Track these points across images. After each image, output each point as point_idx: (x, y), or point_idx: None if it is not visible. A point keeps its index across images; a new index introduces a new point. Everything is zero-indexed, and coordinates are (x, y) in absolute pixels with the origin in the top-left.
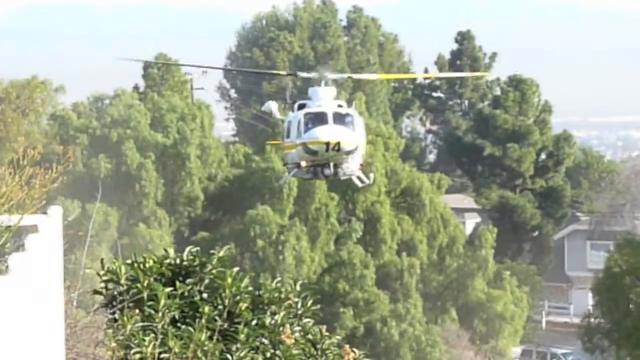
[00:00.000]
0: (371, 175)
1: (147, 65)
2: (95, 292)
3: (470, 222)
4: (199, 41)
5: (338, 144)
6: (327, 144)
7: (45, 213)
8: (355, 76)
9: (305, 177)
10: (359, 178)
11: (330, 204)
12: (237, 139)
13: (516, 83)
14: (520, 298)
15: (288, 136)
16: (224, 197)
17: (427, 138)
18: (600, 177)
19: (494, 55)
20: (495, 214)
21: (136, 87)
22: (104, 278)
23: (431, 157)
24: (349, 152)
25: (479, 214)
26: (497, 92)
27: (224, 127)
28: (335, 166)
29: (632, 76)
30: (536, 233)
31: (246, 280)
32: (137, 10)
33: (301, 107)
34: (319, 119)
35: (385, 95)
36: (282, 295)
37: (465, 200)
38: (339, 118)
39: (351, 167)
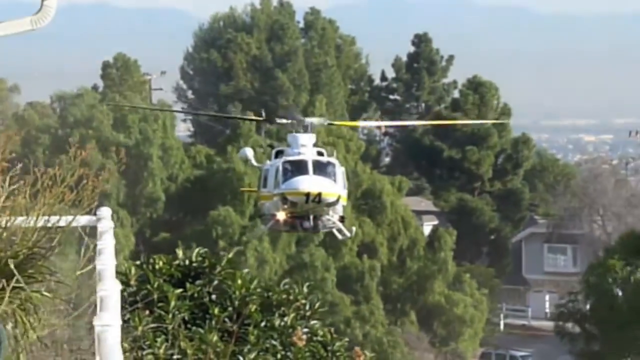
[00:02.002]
0: (353, 228)
1: (105, 65)
2: None
3: (428, 224)
4: (155, 42)
5: (319, 195)
6: (308, 195)
7: (94, 214)
8: (337, 123)
9: (283, 229)
10: (339, 231)
11: None
12: (193, 139)
13: (475, 86)
14: (480, 301)
15: (265, 185)
16: (185, 198)
17: (383, 140)
18: (556, 180)
19: (450, 58)
20: (454, 216)
21: (95, 87)
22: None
23: (387, 160)
24: (330, 204)
25: (437, 216)
26: (454, 95)
27: (181, 128)
28: (315, 218)
29: (581, 79)
30: (494, 236)
31: (255, 282)
32: (90, 11)
33: (279, 154)
34: (298, 167)
35: (342, 98)
36: (291, 297)
37: (422, 203)
38: (320, 167)
39: (332, 220)
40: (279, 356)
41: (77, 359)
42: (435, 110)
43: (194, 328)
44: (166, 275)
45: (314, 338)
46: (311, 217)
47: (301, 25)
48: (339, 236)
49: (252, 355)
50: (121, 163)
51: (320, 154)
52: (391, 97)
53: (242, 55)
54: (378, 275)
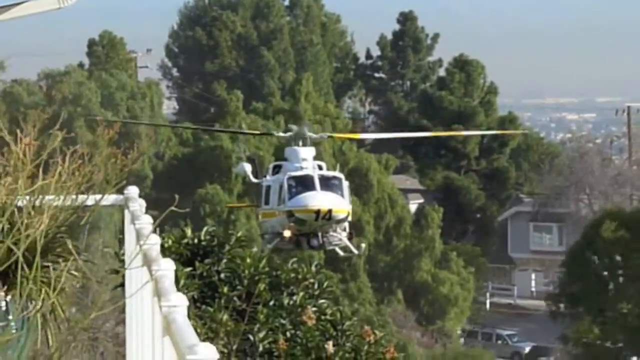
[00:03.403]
0: (362, 245)
1: (91, 43)
2: (115, 271)
3: (414, 203)
4: (140, 19)
5: (329, 212)
6: (318, 212)
7: (122, 193)
8: (337, 135)
9: (287, 247)
10: (344, 248)
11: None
12: (178, 117)
13: (462, 64)
14: (466, 279)
15: (267, 202)
16: (173, 176)
17: (368, 118)
18: (541, 159)
19: (436, 37)
20: (440, 195)
21: (81, 65)
22: (123, 258)
23: None
24: (339, 221)
25: (422, 195)
26: (440, 73)
27: (165, 106)
28: (323, 236)
29: (564, 58)
30: (480, 214)
31: (264, 261)
32: None
33: (276, 168)
34: (304, 183)
35: (328, 76)
36: (300, 276)
37: (408, 181)
38: (326, 182)
39: (339, 236)
40: (288, 335)
41: (90, 337)
42: (420, 88)
43: (203, 307)
44: (175, 253)
45: (323, 317)
46: (319, 234)
47: (286, 3)
48: (341, 253)
49: (262, 334)
50: (150, 142)
51: (320, 167)
52: (376, 75)
53: (227, 33)
54: (365, 254)
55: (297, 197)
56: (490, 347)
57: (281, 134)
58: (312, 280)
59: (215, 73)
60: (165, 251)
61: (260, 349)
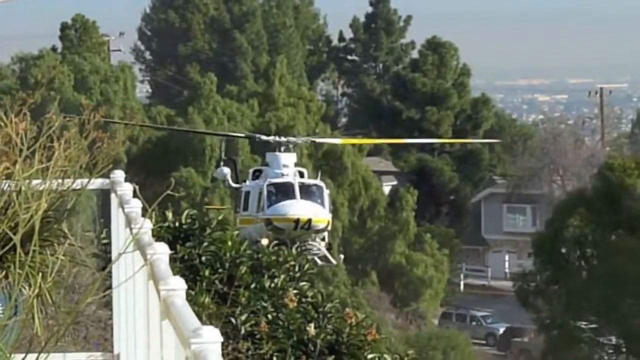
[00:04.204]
0: (341, 256)
1: (64, 27)
2: (95, 255)
3: (387, 185)
4: (112, 2)
5: (309, 221)
6: (297, 221)
7: (108, 177)
8: (319, 140)
9: None
10: (322, 258)
11: (253, 166)
12: (151, 101)
13: (435, 46)
14: (440, 261)
15: (245, 208)
16: (147, 160)
17: (342, 101)
18: (514, 140)
19: (408, 19)
20: (413, 177)
21: (54, 49)
22: (104, 241)
23: (344, 120)
24: (319, 231)
25: (396, 177)
26: (413, 55)
27: (139, 89)
28: (301, 245)
29: (536, 39)
30: (454, 196)
31: (245, 244)
32: None
33: (256, 173)
34: (284, 191)
35: (301, 58)
36: (281, 259)
37: (381, 163)
38: (307, 191)
39: (317, 246)
40: (270, 317)
41: (73, 321)
42: (393, 70)
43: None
44: (156, 237)
45: (304, 299)
46: (297, 243)
47: None
48: (320, 262)
49: (244, 317)
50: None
51: (301, 174)
52: (349, 57)
53: (200, 16)
54: (339, 236)
55: (277, 205)
56: (464, 329)
57: (264, 138)
58: (292, 263)
59: (188, 56)
60: None
61: (243, 331)
